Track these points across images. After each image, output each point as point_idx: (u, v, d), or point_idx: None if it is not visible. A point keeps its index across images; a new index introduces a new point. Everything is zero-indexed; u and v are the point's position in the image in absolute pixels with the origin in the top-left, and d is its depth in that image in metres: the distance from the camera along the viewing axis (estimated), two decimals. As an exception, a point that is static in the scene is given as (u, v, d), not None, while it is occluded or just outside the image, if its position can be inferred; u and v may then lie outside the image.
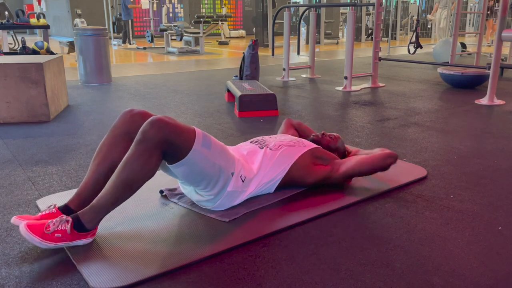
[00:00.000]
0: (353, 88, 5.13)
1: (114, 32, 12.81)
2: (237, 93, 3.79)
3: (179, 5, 16.70)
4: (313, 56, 6.13)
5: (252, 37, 14.88)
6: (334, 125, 3.40)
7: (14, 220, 1.57)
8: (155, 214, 1.82)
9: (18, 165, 2.48)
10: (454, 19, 6.19)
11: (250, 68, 4.95)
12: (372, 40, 9.29)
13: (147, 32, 11.25)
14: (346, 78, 5.09)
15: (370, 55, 5.89)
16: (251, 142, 2.07)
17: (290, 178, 1.96)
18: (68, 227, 1.49)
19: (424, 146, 2.82)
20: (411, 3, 15.76)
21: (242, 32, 16.45)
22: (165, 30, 10.41)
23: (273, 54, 6.99)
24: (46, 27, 6.50)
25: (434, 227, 1.72)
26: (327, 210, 1.85)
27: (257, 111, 3.70)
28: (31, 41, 8.89)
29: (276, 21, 6.91)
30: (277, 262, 1.48)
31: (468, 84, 5.04)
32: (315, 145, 2.09)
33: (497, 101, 4.19)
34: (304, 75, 6.26)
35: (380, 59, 5.45)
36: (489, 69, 4.25)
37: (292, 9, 12.81)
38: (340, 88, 5.13)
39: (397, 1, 13.88)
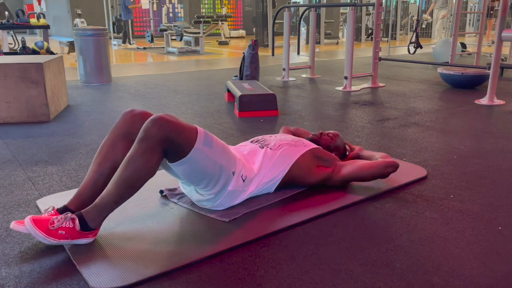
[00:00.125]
0: (353, 88, 5.13)
1: (114, 32, 12.81)
2: (237, 93, 3.79)
3: (179, 5, 16.70)
4: (313, 56, 6.13)
5: (252, 37, 14.88)
6: (334, 125, 3.41)
7: (13, 225, 1.57)
8: (155, 214, 1.82)
9: (18, 165, 2.48)
10: (454, 19, 6.19)
11: (250, 68, 4.95)
12: (372, 40, 9.30)
13: (147, 32, 11.25)
14: (346, 78, 5.09)
15: (370, 55, 5.90)
16: (251, 141, 2.07)
17: (290, 177, 1.96)
18: (76, 223, 1.50)
19: (424, 146, 2.82)
20: (411, 3, 15.76)
21: (242, 32, 16.45)
22: (165, 30, 10.41)
23: (273, 54, 6.99)
24: (46, 27, 6.50)
25: (434, 227, 1.72)
26: (327, 210, 1.85)
27: (257, 111, 3.70)
28: (31, 41, 8.90)
29: (276, 21, 6.91)
30: (277, 262, 1.48)
31: (468, 84, 5.04)
32: (315, 145, 2.09)
33: (497, 101, 4.19)
34: (304, 75, 6.27)
35: (380, 59, 5.45)
36: (489, 69, 4.25)
37: (292, 9, 12.82)
38: (340, 88, 5.13)
39: (397, 1, 13.88)
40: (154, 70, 6.92)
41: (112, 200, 1.52)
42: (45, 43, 5.85)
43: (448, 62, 6.40)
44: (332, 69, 7.05)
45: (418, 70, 6.78)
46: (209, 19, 10.76)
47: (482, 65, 5.71)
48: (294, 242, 1.61)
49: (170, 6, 16.34)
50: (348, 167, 2.03)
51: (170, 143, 1.54)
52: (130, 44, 12.09)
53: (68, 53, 9.36)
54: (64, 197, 1.96)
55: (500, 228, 1.72)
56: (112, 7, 13.59)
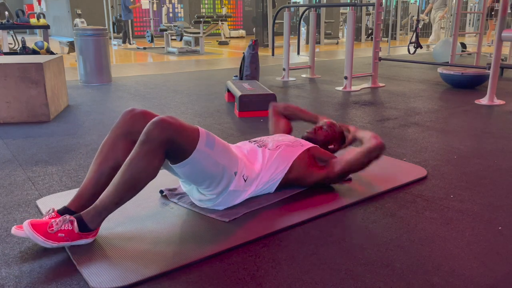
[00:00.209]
0: (353, 88, 5.13)
1: (114, 32, 12.81)
2: (237, 93, 3.79)
3: (179, 5, 16.69)
4: (313, 56, 6.13)
5: (252, 37, 14.88)
6: (334, 125, 3.40)
7: (14, 231, 1.57)
8: (155, 214, 1.82)
9: (18, 165, 2.48)
10: (454, 19, 6.19)
11: (250, 68, 4.95)
12: (372, 40, 9.30)
13: (147, 32, 11.25)
14: (346, 78, 5.09)
15: (370, 55, 5.89)
16: (249, 142, 2.07)
17: (289, 178, 1.96)
18: (75, 225, 1.50)
19: (424, 146, 2.82)
20: (411, 3, 15.76)
21: (242, 32, 16.45)
22: (165, 30, 10.41)
23: (273, 54, 6.99)
24: (46, 27, 6.50)
25: (434, 227, 1.72)
26: (327, 210, 1.85)
27: (257, 111, 3.70)
28: (31, 41, 8.89)
29: (276, 21, 6.91)
30: (277, 262, 1.48)
31: (468, 84, 5.04)
32: (312, 144, 2.09)
33: (497, 101, 4.19)
34: (304, 75, 6.26)
35: (380, 59, 5.45)
36: (489, 69, 4.25)
37: (292, 9, 12.82)
38: (340, 88, 5.13)
39: (397, 1, 13.88)
40: (154, 70, 6.92)
41: (112, 202, 1.52)
42: (45, 43, 5.85)
43: (448, 62, 6.40)
44: (332, 69, 7.05)
45: (418, 70, 6.78)
46: (209, 19, 10.76)
47: (482, 65, 5.71)
48: (294, 242, 1.61)
49: (170, 6, 16.34)
50: (339, 164, 2.01)
51: (172, 145, 1.54)
52: (130, 44, 12.09)
53: (68, 53, 9.36)
54: (64, 197, 1.96)
55: (500, 228, 1.72)
56: (112, 7, 13.59)
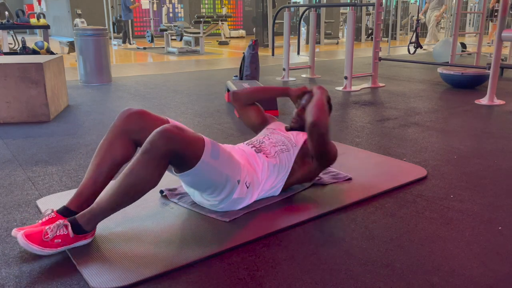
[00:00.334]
0: (353, 88, 5.13)
1: (114, 32, 12.82)
2: (237, 93, 3.78)
3: (179, 5, 16.69)
4: (313, 56, 6.13)
5: (252, 37, 14.88)
6: (334, 125, 3.40)
7: (14, 232, 1.57)
8: (155, 214, 1.82)
9: (18, 165, 2.48)
10: (454, 19, 6.19)
11: (250, 68, 4.95)
12: (372, 40, 9.31)
13: (147, 32, 11.25)
14: (346, 78, 5.09)
15: (370, 55, 5.90)
16: (247, 144, 1.99)
17: (291, 181, 1.96)
18: (69, 230, 1.49)
19: (424, 146, 2.82)
20: (411, 3, 15.76)
21: (242, 32, 16.45)
22: (165, 30, 10.41)
23: (273, 54, 6.99)
24: (46, 27, 6.50)
25: (434, 227, 1.72)
26: (327, 210, 1.85)
27: (257, 111, 3.69)
28: (31, 41, 8.89)
29: (276, 21, 6.91)
30: (277, 262, 1.48)
31: (468, 84, 5.04)
32: (303, 139, 2.00)
33: (497, 101, 4.19)
34: (304, 75, 6.26)
35: (380, 59, 5.45)
36: (489, 69, 4.25)
37: (292, 9, 12.82)
38: (340, 88, 5.13)
39: (397, 1, 13.88)
40: (154, 70, 6.92)
41: (109, 207, 1.51)
42: (45, 43, 5.85)
43: (448, 62, 6.40)
44: (332, 69, 7.05)
45: (418, 70, 6.77)
46: (209, 19, 10.76)
47: (482, 65, 5.71)
48: (294, 242, 1.61)
49: (170, 6, 16.34)
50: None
51: (176, 156, 1.52)
52: (130, 44, 12.09)
53: (68, 53, 9.36)
54: (64, 197, 1.96)
55: (500, 228, 1.72)
56: (112, 7, 13.59)
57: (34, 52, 5.70)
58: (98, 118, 3.63)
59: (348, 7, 5.57)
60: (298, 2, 15.67)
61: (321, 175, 2.21)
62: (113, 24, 12.84)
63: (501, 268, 1.44)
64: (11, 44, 7.90)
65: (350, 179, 2.19)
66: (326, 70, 6.84)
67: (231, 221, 1.74)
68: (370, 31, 14.07)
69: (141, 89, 5.10)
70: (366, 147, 2.81)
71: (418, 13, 8.27)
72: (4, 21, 6.31)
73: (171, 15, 16.15)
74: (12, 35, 8.31)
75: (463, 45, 8.50)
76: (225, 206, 1.78)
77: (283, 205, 1.90)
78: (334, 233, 1.67)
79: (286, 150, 1.95)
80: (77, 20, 10.26)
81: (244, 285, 1.35)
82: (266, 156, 1.90)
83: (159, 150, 1.47)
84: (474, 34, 12.02)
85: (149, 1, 11.49)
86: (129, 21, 12.15)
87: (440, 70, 5.29)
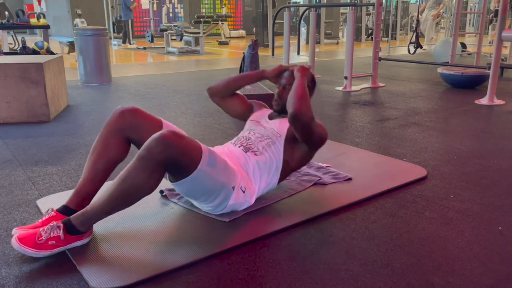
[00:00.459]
0: (353, 88, 5.13)
1: (114, 32, 12.81)
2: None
3: (179, 5, 16.69)
4: (313, 56, 6.12)
5: (252, 37, 14.87)
6: (334, 125, 3.40)
7: (14, 231, 1.57)
8: (155, 214, 1.82)
9: (18, 165, 2.48)
10: (454, 19, 6.19)
11: (250, 68, 4.95)
12: (372, 40, 9.29)
13: (147, 32, 11.25)
14: (346, 78, 5.09)
15: (370, 55, 5.89)
16: (234, 144, 1.93)
17: (287, 170, 1.92)
18: (60, 232, 1.48)
19: (424, 146, 2.82)
20: (411, 3, 15.76)
21: (242, 32, 16.45)
22: (165, 30, 10.41)
23: (273, 54, 6.99)
24: (46, 27, 6.50)
25: (434, 227, 1.72)
26: (327, 210, 1.85)
27: (257, 111, 3.69)
28: (31, 41, 8.88)
29: (276, 21, 6.91)
30: (277, 262, 1.48)
31: (468, 84, 5.04)
32: (286, 129, 1.91)
33: (497, 101, 4.19)
34: (304, 75, 6.25)
35: (380, 59, 5.45)
36: (489, 69, 4.25)
37: (292, 9, 12.81)
38: (340, 88, 5.13)
39: (397, 1, 13.88)
40: (154, 70, 6.92)
41: (104, 210, 1.50)
42: (45, 43, 5.85)
43: (448, 62, 6.40)
44: (332, 69, 7.05)
45: (418, 70, 6.77)
46: (209, 19, 10.76)
47: (482, 65, 5.71)
48: (294, 242, 1.61)
49: (170, 6, 16.33)
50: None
51: (172, 164, 1.50)
52: (130, 44, 12.09)
53: (68, 53, 9.36)
54: (64, 197, 1.96)
55: (500, 228, 1.72)
56: (112, 7, 13.58)
57: (34, 52, 5.70)
58: (98, 118, 3.63)
59: (348, 7, 5.56)
60: (298, 2, 15.66)
61: (321, 175, 2.21)
62: (113, 24, 12.84)
63: (501, 268, 1.44)
64: (11, 44, 7.90)
65: (350, 179, 2.19)
66: (326, 70, 6.84)
67: (231, 221, 1.74)
68: (370, 31, 14.06)
69: (141, 89, 5.10)
70: (366, 147, 2.81)
71: (418, 13, 8.27)
72: (4, 21, 6.31)
73: (171, 15, 16.15)
74: (12, 35, 8.31)
75: (463, 45, 8.50)
76: (224, 211, 1.77)
77: (283, 205, 1.90)
78: (334, 233, 1.67)
79: (272, 143, 1.88)
80: (77, 20, 10.26)
81: (244, 285, 1.35)
82: (255, 154, 1.85)
83: (156, 157, 1.44)
84: (474, 34, 12.02)
85: (149, 1, 11.50)
86: (129, 21, 12.15)
87: (440, 70, 5.29)
